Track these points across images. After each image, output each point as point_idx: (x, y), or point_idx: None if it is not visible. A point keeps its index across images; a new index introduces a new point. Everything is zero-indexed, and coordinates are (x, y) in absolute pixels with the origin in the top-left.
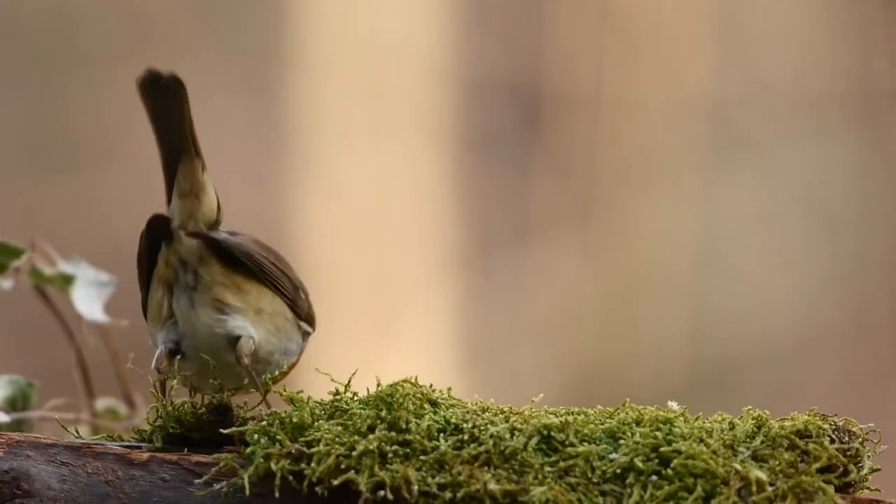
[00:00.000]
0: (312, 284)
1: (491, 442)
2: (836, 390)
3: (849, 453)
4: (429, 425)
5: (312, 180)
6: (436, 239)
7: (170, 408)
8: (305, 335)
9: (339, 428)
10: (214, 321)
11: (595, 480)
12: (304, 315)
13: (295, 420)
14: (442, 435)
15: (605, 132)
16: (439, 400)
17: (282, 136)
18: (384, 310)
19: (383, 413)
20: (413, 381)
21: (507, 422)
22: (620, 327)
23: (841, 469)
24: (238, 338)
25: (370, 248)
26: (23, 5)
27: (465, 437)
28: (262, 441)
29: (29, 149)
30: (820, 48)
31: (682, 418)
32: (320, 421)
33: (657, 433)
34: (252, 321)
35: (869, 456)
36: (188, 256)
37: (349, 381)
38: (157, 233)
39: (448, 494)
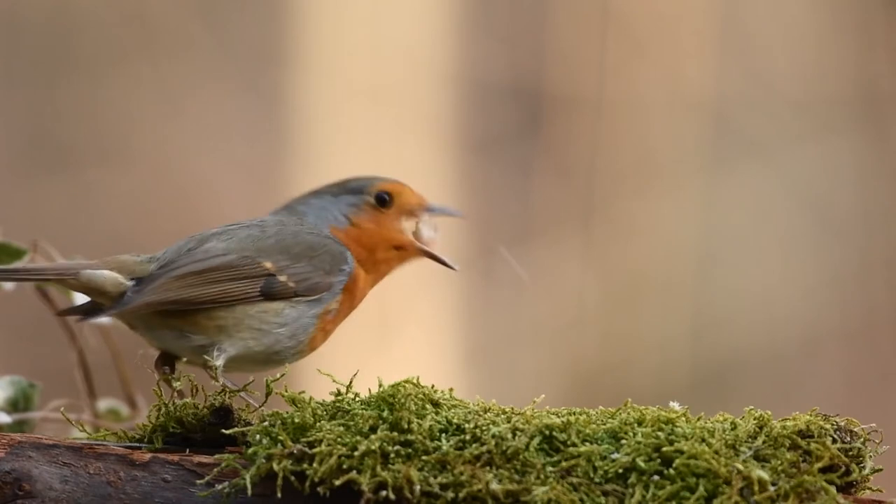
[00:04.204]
0: None
1: (493, 442)
2: (838, 390)
3: (851, 453)
4: (431, 426)
5: (313, 181)
6: (438, 239)
7: (171, 408)
8: (319, 302)
9: (341, 428)
10: (179, 343)
11: (597, 480)
12: (287, 295)
13: (297, 421)
14: (444, 435)
15: (607, 133)
16: (441, 400)
17: (282, 136)
18: (386, 311)
19: (385, 413)
20: (415, 381)
21: (508, 422)
22: (622, 328)
23: (843, 469)
24: (204, 347)
25: None
26: (24, 6)
27: (467, 437)
28: (264, 441)
29: (30, 149)
30: (822, 49)
31: (683, 418)
32: (322, 421)
33: (659, 433)
34: (220, 338)
35: (871, 456)
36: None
37: (351, 382)
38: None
39: (450, 494)
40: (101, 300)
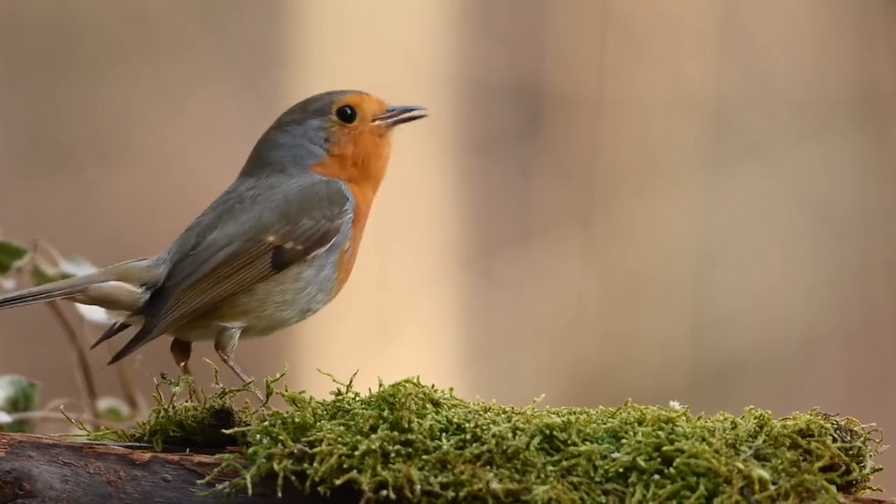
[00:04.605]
0: None
1: (493, 441)
2: (838, 390)
3: (851, 452)
4: (431, 425)
5: None
6: (438, 240)
7: (171, 411)
8: (334, 247)
9: (342, 428)
10: (209, 333)
11: (597, 479)
12: (298, 256)
13: (297, 420)
14: (444, 434)
15: (607, 133)
16: (441, 400)
17: None
18: (386, 310)
19: (385, 413)
20: (415, 381)
21: (509, 421)
22: (622, 327)
23: (843, 468)
24: (234, 331)
25: (372, 249)
26: (24, 6)
27: (468, 436)
28: (265, 441)
29: (31, 149)
30: (822, 49)
31: (684, 418)
32: (322, 421)
33: (659, 432)
34: (247, 320)
35: (871, 455)
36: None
37: (351, 382)
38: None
39: (450, 494)
40: (114, 310)
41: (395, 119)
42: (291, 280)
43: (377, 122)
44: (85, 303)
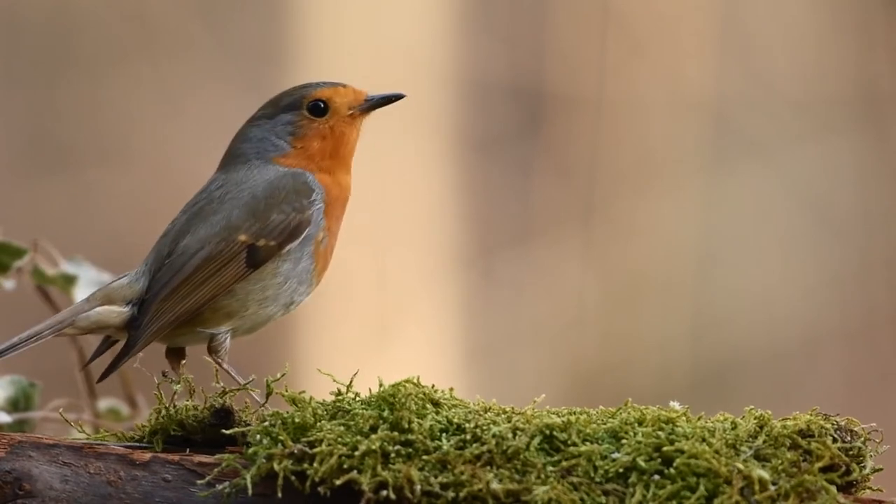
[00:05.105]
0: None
1: (493, 442)
2: (838, 390)
3: (851, 452)
4: (431, 425)
5: None
6: (438, 239)
7: (172, 411)
8: (307, 239)
9: (342, 428)
10: (197, 339)
11: (597, 480)
12: (272, 252)
13: (297, 420)
14: (444, 435)
15: (607, 133)
16: (441, 400)
17: None
18: (386, 311)
19: (385, 413)
20: (415, 381)
21: (509, 422)
22: (623, 327)
23: (843, 468)
24: (221, 334)
25: (372, 249)
26: (24, 6)
27: (468, 436)
28: (265, 441)
29: (31, 149)
30: (822, 49)
31: (684, 418)
32: (322, 421)
33: (659, 433)
34: (231, 322)
35: (871, 455)
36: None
37: (351, 382)
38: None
39: (451, 494)
40: (108, 332)
41: (368, 105)
42: (270, 276)
43: (351, 112)
44: (76, 334)
